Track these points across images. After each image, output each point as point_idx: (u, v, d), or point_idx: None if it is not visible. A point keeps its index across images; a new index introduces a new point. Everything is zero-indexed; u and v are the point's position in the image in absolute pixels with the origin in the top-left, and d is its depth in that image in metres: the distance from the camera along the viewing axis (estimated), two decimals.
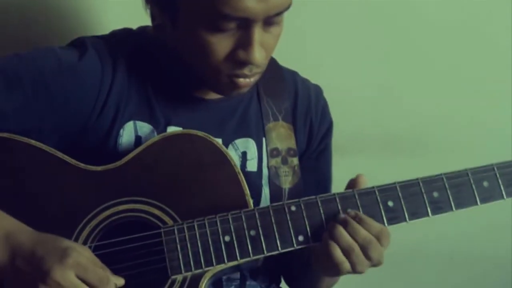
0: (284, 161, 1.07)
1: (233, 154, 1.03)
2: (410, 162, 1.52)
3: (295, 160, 1.08)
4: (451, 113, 1.55)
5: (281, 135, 1.08)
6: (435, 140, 1.57)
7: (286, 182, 1.07)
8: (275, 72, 1.11)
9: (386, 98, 1.50)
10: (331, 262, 0.89)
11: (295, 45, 1.16)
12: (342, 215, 0.91)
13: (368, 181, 0.94)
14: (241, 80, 0.94)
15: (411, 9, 1.43)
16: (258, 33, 0.88)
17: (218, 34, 0.88)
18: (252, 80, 0.95)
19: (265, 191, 1.06)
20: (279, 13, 0.89)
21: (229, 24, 0.87)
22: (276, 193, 1.06)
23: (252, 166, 1.05)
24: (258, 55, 0.89)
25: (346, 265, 0.89)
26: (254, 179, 1.05)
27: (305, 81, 1.15)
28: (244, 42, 0.89)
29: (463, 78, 1.52)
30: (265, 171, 1.06)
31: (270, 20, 0.89)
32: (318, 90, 1.15)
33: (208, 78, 0.96)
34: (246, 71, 0.92)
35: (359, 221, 0.89)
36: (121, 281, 0.87)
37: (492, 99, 1.55)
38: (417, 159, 1.54)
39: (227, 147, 1.03)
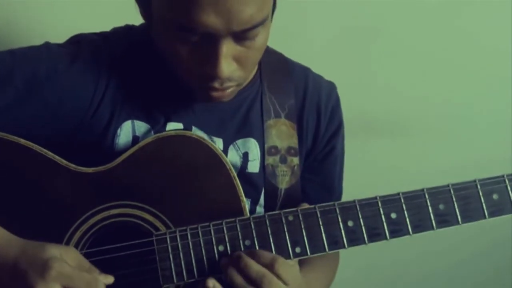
0: (283, 160, 1.02)
1: (234, 155, 0.99)
2: (390, 143, 1.53)
3: (295, 160, 1.03)
4: (429, 94, 1.52)
5: (281, 133, 1.02)
6: (414, 121, 1.54)
7: (283, 182, 1.01)
8: (281, 67, 1.05)
9: (365, 80, 1.47)
10: None
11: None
12: (235, 253, 0.87)
13: None
14: (214, 93, 0.89)
15: None
16: (226, 46, 0.82)
17: (185, 45, 0.84)
18: (228, 91, 0.90)
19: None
20: (247, 30, 0.82)
21: (193, 37, 0.82)
22: (271, 193, 1.01)
23: (253, 167, 1.00)
24: (226, 69, 0.83)
25: None
26: (255, 180, 1.00)
27: (317, 78, 1.08)
28: (210, 56, 0.83)
29: (441, 59, 1.48)
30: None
31: (241, 35, 0.83)
32: (331, 88, 1.08)
33: (184, 84, 0.92)
34: (216, 84, 0.87)
35: (251, 254, 0.86)
36: (110, 280, 0.85)
37: (469, 80, 1.53)
38: (397, 140, 1.53)
39: (228, 147, 0.99)
